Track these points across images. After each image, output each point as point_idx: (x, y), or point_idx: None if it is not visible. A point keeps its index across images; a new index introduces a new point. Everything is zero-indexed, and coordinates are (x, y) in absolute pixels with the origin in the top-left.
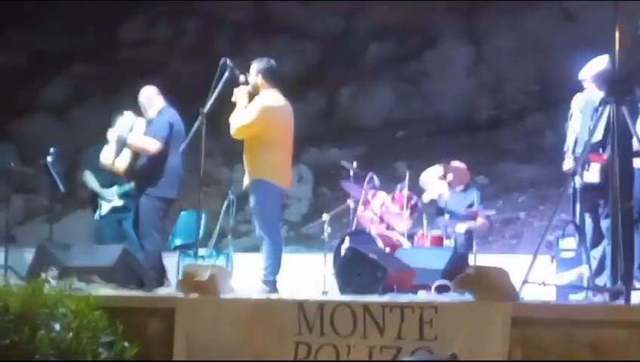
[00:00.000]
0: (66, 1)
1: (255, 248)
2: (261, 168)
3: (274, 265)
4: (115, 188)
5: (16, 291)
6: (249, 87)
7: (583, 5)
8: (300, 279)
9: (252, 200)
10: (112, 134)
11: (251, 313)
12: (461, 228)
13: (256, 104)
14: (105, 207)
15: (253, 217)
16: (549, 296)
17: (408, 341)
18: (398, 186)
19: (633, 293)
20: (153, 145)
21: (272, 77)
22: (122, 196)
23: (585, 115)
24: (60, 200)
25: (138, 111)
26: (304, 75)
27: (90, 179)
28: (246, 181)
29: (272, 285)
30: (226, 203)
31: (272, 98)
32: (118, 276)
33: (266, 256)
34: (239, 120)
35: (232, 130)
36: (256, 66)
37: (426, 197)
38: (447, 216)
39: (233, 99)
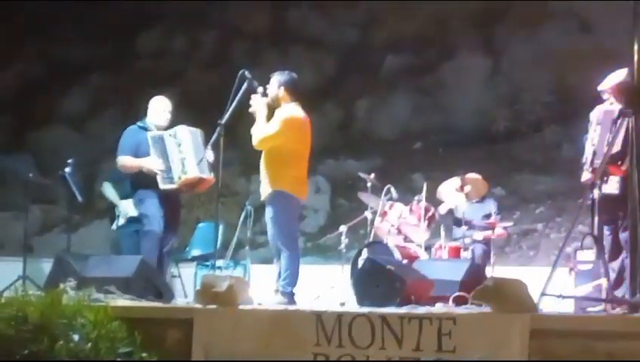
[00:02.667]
0: (84, 12)
1: (272, 259)
2: (281, 180)
3: (292, 277)
4: (132, 200)
5: (34, 301)
6: (268, 99)
7: (601, 17)
8: (317, 290)
9: (270, 212)
10: None
11: (269, 324)
12: (479, 236)
13: (280, 117)
14: (123, 218)
15: (268, 228)
16: (567, 307)
17: (426, 352)
18: (416, 198)
19: None
20: None
21: (294, 90)
22: None
23: (604, 126)
24: (78, 211)
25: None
26: (321, 87)
27: (109, 191)
28: (264, 192)
29: (289, 296)
30: (243, 214)
31: (295, 111)
32: (136, 287)
33: (284, 267)
34: (263, 131)
35: (255, 142)
36: (278, 79)
37: (444, 209)
38: (464, 227)
39: (251, 109)
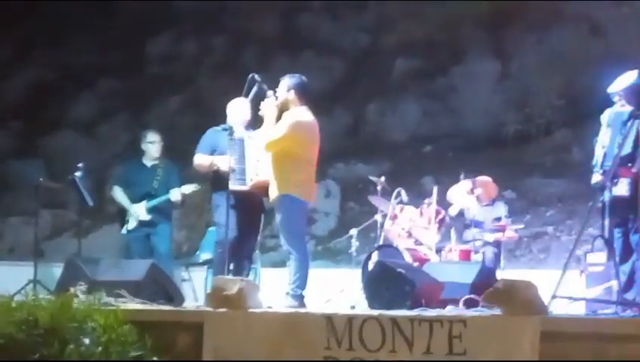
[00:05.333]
0: (95, 18)
1: (283, 263)
2: (288, 183)
3: (301, 280)
4: (143, 203)
5: (45, 305)
6: (278, 102)
7: (611, 20)
8: (328, 294)
9: (278, 215)
10: None
11: (280, 327)
12: (490, 237)
13: (288, 120)
14: (133, 222)
15: (279, 232)
16: (578, 310)
17: (437, 355)
18: (426, 201)
19: None
20: None
21: (304, 93)
22: (150, 211)
23: (614, 129)
24: (88, 215)
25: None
26: (331, 91)
27: (119, 195)
28: (272, 195)
29: (299, 299)
30: None
31: (303, 115)
32: (147, 290)
33: (294, 270)
34: (271, 135)
35: (263, 144)
36: (288, 82)
37: (454, 212)
38: (475, 230)
39: (261, 112)
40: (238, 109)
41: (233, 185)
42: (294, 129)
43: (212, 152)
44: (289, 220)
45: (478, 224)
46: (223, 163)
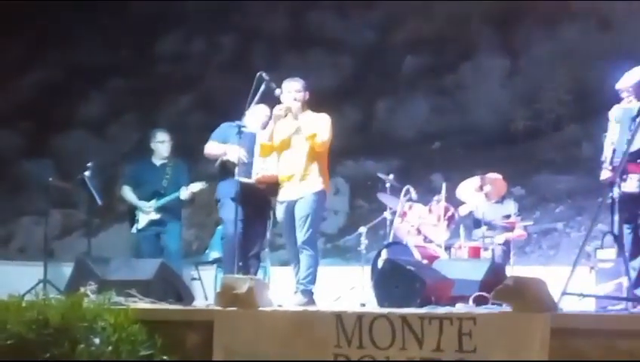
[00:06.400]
0: (104, 17)
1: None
2: (324, 179)
3: (314, 275)
4: (152, 202)
5: (55, 305)
6: (297, 105)
7: (620, 15)
8: (337, 291)
9: (307, 211)
10: None
11: (289, 325)
12: (500, 238)
13: (326, 119)
14: (142, 221)
15: (298, 227)
16: (588, 306)
17: (447, 353)
18: (435, 198)
19: None
20: None
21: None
22: (159, 210)
23: (623, 125)
24: (98, 214)
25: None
26: (340, 88)
27: (129, 194)
28: (301, 192)
29: (309, 295)
30: None
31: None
32: (157, 289)
33: (307, 266)
34: (321, 136)
35: (320, 148)
36: (301, 83)
37: (464, 210)
38: (484, 227)
39: (274, 115)
40: (256, 115)
41: (240, 176)
42: (331, 127)
43: (224, 143)
44: (319, 216)
45: (487, 222)
46: (233, 153)
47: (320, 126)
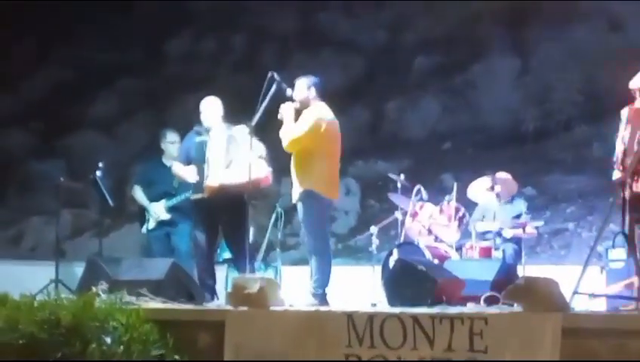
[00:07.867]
0: (113, 17)
1: (303, 261)
2: (310, 179)
3: (323, 278)
4: (163, 202)
5: (67, 305)
6: (296, 104)
7: (631, 15)
8: (348, 291)
9: (300, 212)
10: None
11: (301, 325)
12: (509, 233)
13: (309, 116)
14: (153, 221)
15: (302, 229)
16: (599, 306)
17: (458, 352)
18: (446, 198)
19: None
20: None
21: (322, 91)
22: (170, 210)
23: (634, 125)
24: (109, 214)
25: (190, 128)
26: (350, 88)
27: (139, 194)
28: (295, 194)
29: (321, 298)
30: (274, 216)
31: (323, 110)
32: (168, 289)
33: (315, 269)
34: (292, 133)
35: (285, 144)
36: (306, 81)
37: (481, 227)
38: (494, 223)
39: (280, 116)
40: (202, 109)
41: (194, 196)
42: (316, 125)
43: (186, 158)
44: (309, 217)
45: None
46: (186, 174)
47: (298, 123)
